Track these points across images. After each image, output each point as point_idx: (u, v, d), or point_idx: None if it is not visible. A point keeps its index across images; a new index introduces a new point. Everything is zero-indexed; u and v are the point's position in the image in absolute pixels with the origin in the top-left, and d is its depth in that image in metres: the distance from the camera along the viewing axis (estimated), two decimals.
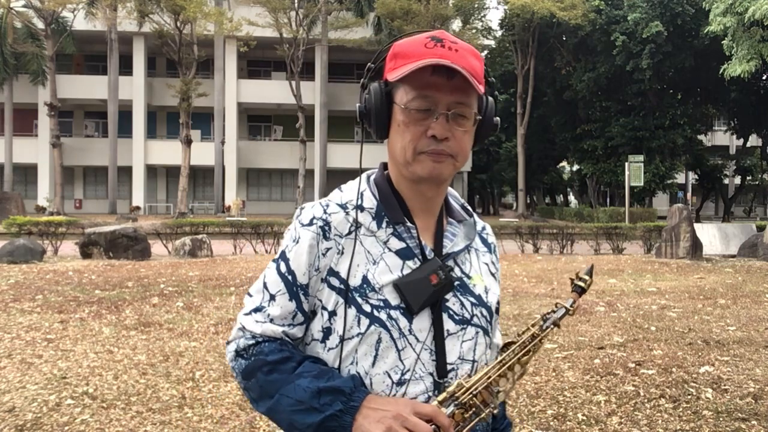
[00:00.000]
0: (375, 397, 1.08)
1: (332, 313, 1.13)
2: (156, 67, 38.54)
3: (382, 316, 1.11)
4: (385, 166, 1.26)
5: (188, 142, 30.02)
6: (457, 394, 1.10)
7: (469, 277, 1.22)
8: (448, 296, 1.17)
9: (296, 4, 31.73)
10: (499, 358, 1.15)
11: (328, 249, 1.14)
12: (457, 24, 33.31)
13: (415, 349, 1.12)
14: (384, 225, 1.17)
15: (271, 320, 1.15)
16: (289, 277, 1.15)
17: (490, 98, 1.21)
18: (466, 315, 1.19)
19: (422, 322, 1.13)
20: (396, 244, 1.16)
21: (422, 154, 1.13)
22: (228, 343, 1.20)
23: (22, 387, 4.30)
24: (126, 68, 35.59)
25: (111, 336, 5.85)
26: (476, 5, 32.73)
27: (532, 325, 1.18)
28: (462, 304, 1.19)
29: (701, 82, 32.91)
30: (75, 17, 30.91)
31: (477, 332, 1.20)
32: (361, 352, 1.12)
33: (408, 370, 1.12)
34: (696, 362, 5.04)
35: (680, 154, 33.16)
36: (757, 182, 41.15)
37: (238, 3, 33.74)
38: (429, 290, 1.13)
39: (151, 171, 37.68)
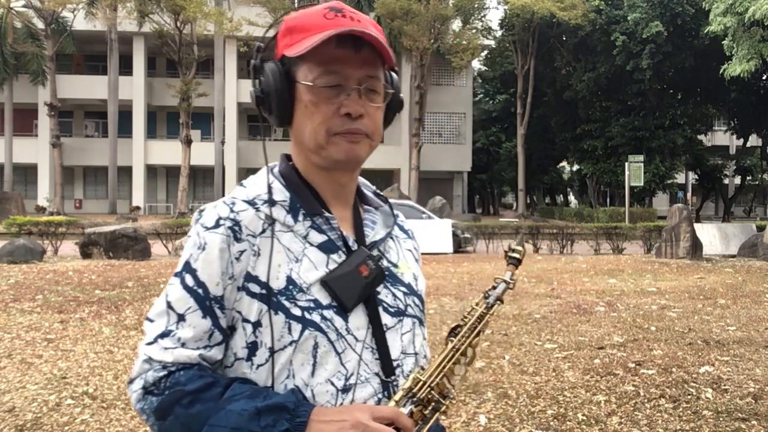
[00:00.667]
0: (324, 409, 0.96)
1: (257, 324, 0.99)
2: (156, 67, 38.54)
3: (315, 318, 0.99)
4: (288, 157, 1.14)
5: (188, 142, 30.03)
6: (414, 390, 1.00)
7: (396, 266, 1.13)
8: (379, 288, 1.07)
9: (296, 4, 31.75)
10: (451, 345, 1.06)
11: (242, 252, 1.01)
12: (457, 24, 33.31)
13: (355, 350, 1.01)
14: (301, 218, 1.05)
15: (183, 344, 0.99)
16: (200, 291, 1.00)
17: (393, 74, 1.11)
18: (401, 306, 1.10)
19: (358, 320, 1.03)
20: (317, 237, 1.05)
21: (336, 136, 1.03)
22: (130, 381, 1.01)
23: (22, 387, 4.30)
24: (126, 68, 35.60)
25: (111, 336, 5.85)
26: (476, 5, 32.70)
27: (477, 305, 1.10)
28: (394, 295, 1.09)
29: (701, 82, 32.92)
30: (75, 17, 30.92)
31: (413, 323, 1.12)
32: (297, 362, 0.99)
33: (352, 374, 1.01)
34: (696, 362, 5.04)
35: (680, 154, 33.19)
36: (757, 182, 41.17)
37: (238, 3, 33.73)
38: (361, 283, 1.03)
39: (151, 171, 37.68)
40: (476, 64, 43.30)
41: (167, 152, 35.84)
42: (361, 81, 1.03)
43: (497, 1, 36.02)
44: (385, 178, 36.86)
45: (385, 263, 1.11)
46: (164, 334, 1.00)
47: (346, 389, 1.00)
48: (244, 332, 1.01)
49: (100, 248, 12.96)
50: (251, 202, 1.06)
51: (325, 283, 1.01)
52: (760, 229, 16.43)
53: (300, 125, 1.06)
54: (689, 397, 4.18)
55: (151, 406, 0.97)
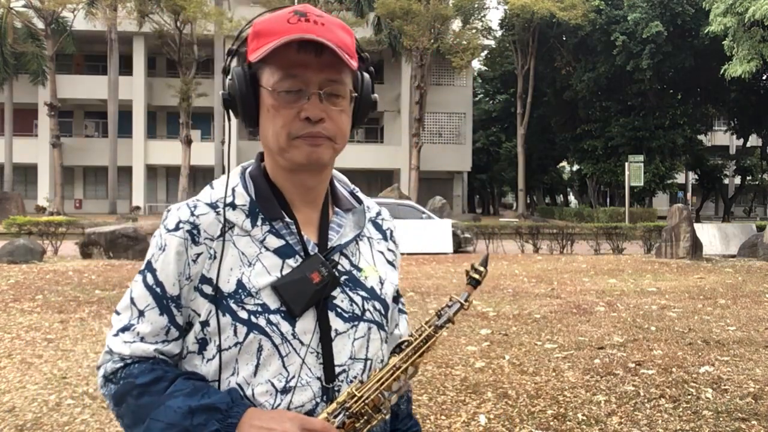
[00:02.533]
0: (257, 412, 0.99)
1: (205, 324, 1.04)
2: (156, 67, 38.51)
3: (261, 322, 1.03)
4: (262, 156, 1.16)
5: (188, 142, 30.07)
6: (347, 404, 1.03)
7: (359, 270, 1.13)
8: (335, 293, 1.08)
9: (296, 4, 31.74)
10: (392, 362, 1.07)
11: (198, 254, 1.05)
12: (457, 24, 33.33)
13: (299, 354, 1.04)
14: (259, 222, 1.07)
15: (142, 338, 1.06)
16: (158, 290, 1.05)
17: (366, 74, 1.12)
18: (357, 311, 1.11)
19: (306, 324, 1.05)
20: (274, 242, 1.07)
21: (297, 139, 1.04)
22: (98, 368, 1.12)
23: (22, 387, 4.30)
24: (126, 68, 35.59)
25: None
26: (476, 5, 32.73)
27: (428, 324, 1.11)
28: (351, 299, 1.10)
29: (701, 82, 32.94)
30: (75, 17, 30.92)
31: (369, 328, 1.12)
32: (241, 361, 1.04)
33: (293, 377, 1.04)
34: (696, 362, 5.04)
35: (680, 154, 33.22)
36: (757, 182, 41.19)
37: (238, 3, 33.74)
38: (311, 290, 1.04)
39: (151, 171, 37.68)
40: (476, 64, 43.31)
41: (167, 152, 35.82)
42: (322, 85, 1.03)
43: (497, 1, 36.05)
44: (385, 178, 36.87)
45: (346, 266, 1.12)
46: (126, 328, 1.07)
47: (285, 390, 1.04)
48: (195, 329, 1.06)
49: (100, 248, 12.96)
50: (213, 205, 1.08)
51: (275, 288, 1.04)
52: (760, 229, 16.43)
53: (264, 128, 1.08)
54: (689, 397, 4.18)
55: (109, 392, 1.07)
